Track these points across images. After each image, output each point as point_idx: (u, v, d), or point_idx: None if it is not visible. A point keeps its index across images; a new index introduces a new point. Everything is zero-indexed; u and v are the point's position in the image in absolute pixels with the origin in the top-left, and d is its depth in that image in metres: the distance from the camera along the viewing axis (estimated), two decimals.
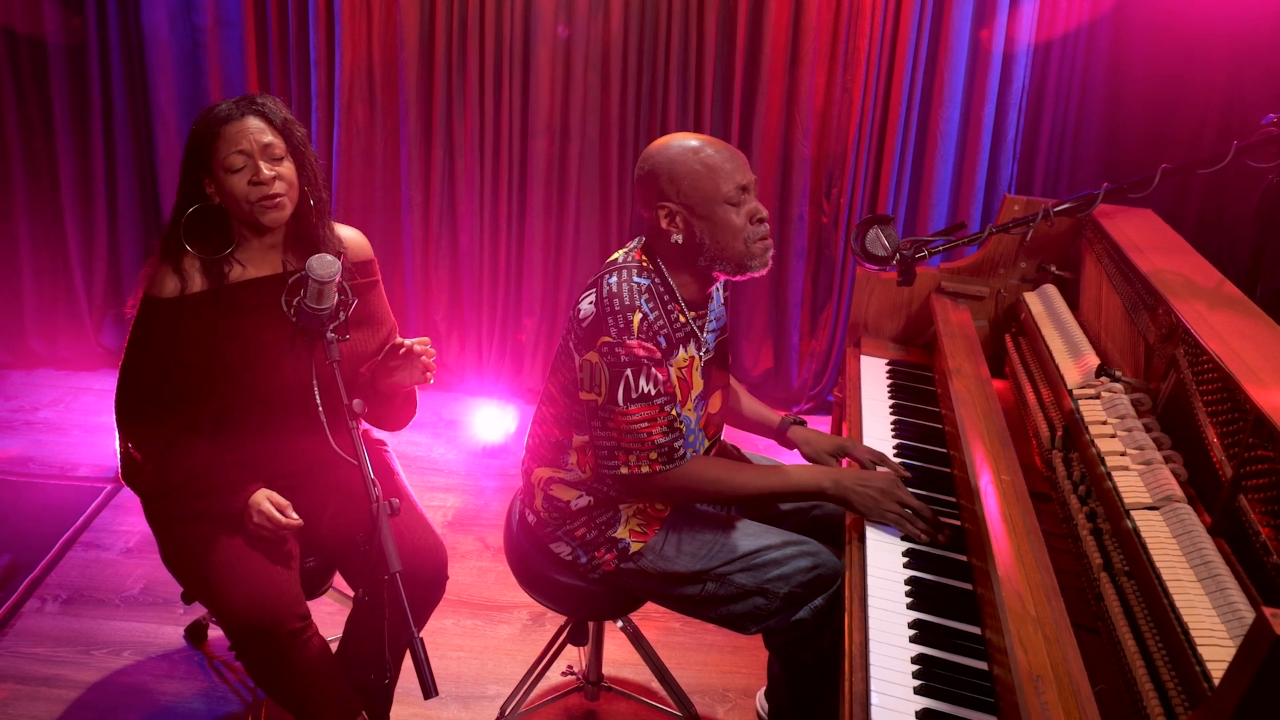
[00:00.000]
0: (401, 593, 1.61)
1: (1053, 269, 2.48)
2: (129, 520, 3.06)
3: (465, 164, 3.61)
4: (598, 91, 3.54)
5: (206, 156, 1.88)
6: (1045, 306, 2.33)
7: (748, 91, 3.52)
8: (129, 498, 3.16)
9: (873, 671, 1.52)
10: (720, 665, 2.63)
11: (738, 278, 1.94)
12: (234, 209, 1.90)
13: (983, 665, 1.56)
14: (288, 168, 1.91)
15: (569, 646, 2.31)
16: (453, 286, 3.81)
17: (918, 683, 1.51)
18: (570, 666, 2.48)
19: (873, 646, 1.57)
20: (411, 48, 3.48)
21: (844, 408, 2.58)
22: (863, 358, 2.56)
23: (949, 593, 1.72)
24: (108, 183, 3.69)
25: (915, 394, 2.40)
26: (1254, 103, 3.42)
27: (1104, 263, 2.23)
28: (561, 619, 2.70)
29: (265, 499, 1.97)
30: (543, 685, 2.40)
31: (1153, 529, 1.49)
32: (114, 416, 1.98)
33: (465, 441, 3.60)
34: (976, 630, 1.63)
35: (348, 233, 2.08)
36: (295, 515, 1.98)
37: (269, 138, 1.89)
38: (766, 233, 1.90)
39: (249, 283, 1.95)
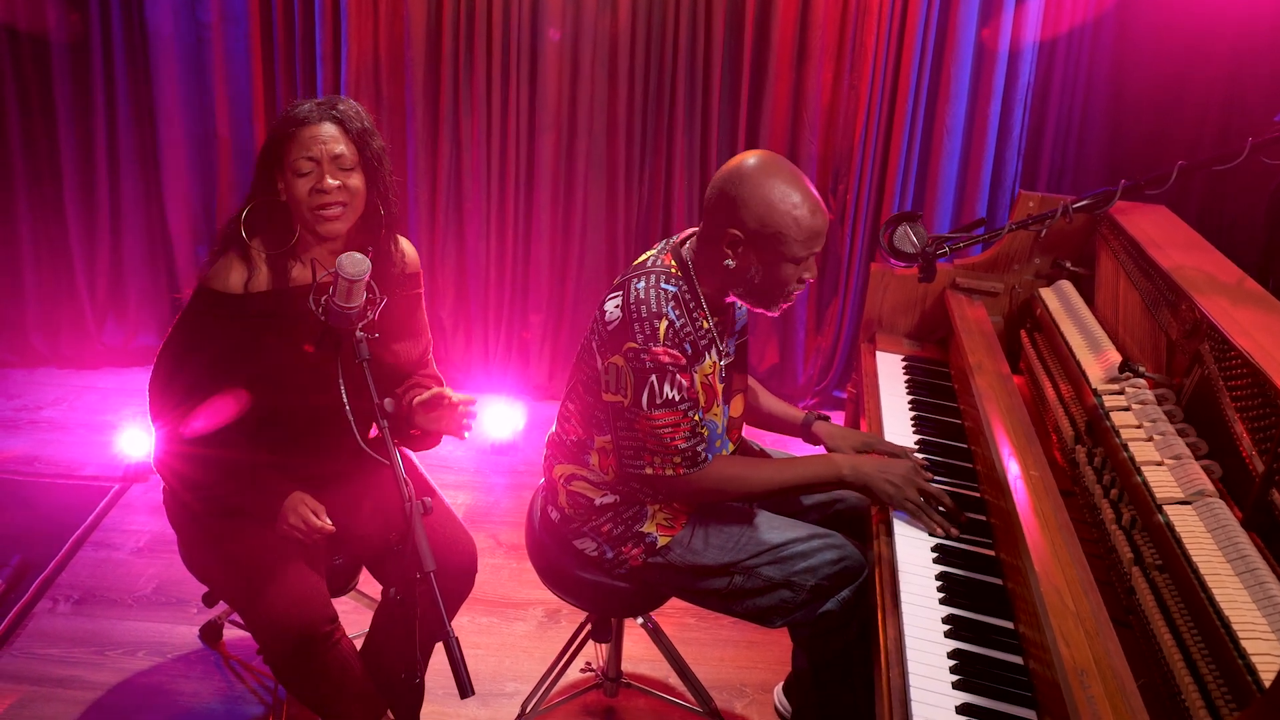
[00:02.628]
0: (436, 592, 1.61)
1: (1067, 265, 2.49)
2: (138, 519, 3.05)
3: (472, 160, 3.59)
4: (605, 88, 3.54)
5: (279, 155, 1.88)
6: (1062, 302, 2.34)
7: (755, 88, 3.53)
8: (137, 497, 3.15)
9: (910, 667, 1.53)
10: (736, 660, 2.64)
11: (751, 309, 1.96)
12: (296, 210, 1.91)
13: (1018, 659, 1.57)
14: (356, 180, 1.91)
15: (573, 642, 2.32)
16: (459, 283, 3.80)
17: (955, 678, 1.52)
18: (589, 663, 2.48)
19: (908, 642, 1.58)
20: (418, 44, 3.47)
21: (858, 404, 2.59)
22: (878, 354, 2.57)
23: (980, 588, 1.73)
24: (110, 180, 3.66)
25: (933, 390, 2.41)
26: (1255, 100, 3.45)
27: (1121, 259, 2.25)
28: (578, 615, 2.72)
29: (301, 502, 1.96)
30: (561, 682, 2.40)
31: (1186, 524, 1.51)
32: (148, 402, 1.97)
33: (473, 438, 3.56)
34: (1010, 625, 1.65)
35: (403, 244, 2.09)
36: (329, 521, 1.97)
37: (340, 148, 1.88)
38: (800, 291, 1.92)
39: (308, 286, 1.94)
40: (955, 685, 1.50)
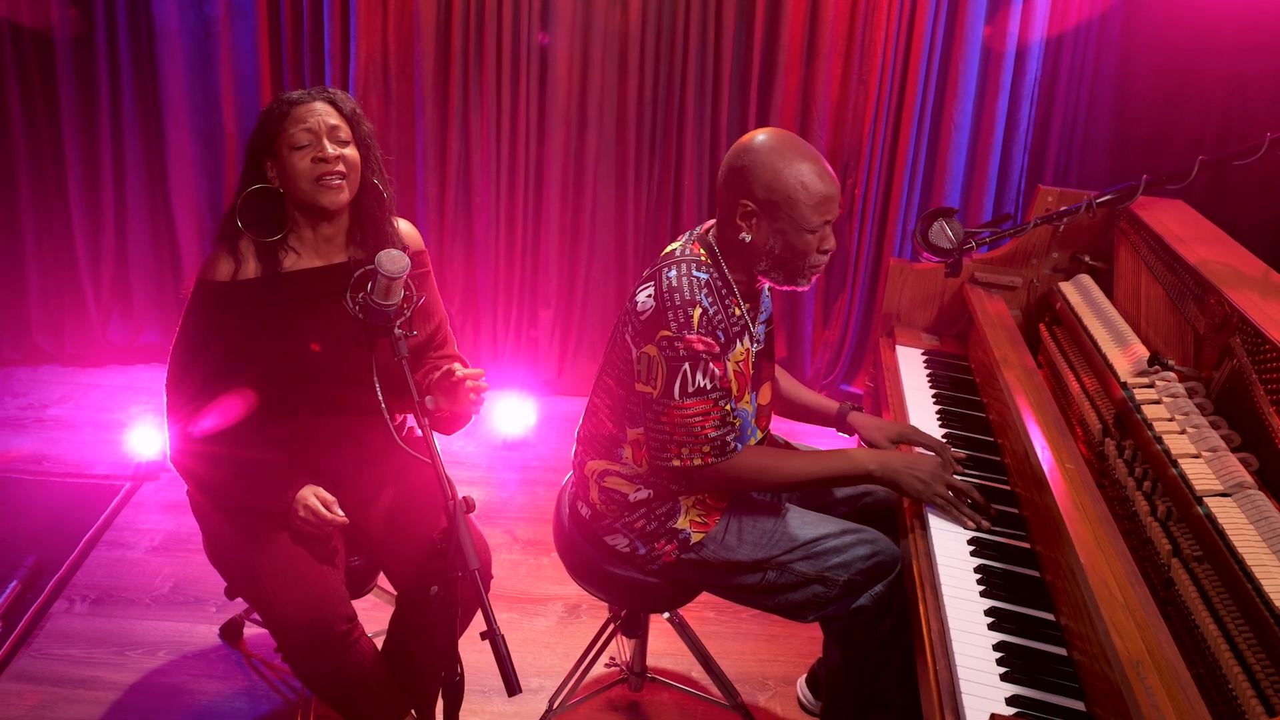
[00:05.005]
0: (482, 589, 1.61)
1: (1086, 259, 2.51)
2: (151, 518, 3.02)
3: (481, 156, 3.58)
4: (615, 84, 3.53)
5: (272, 136, 1.89)
6: (1083, 296, 2.36)
7: (764, 83, 3.53)
8: (149, 495, 3.13)
9: (957, 660, 1.54)
10: (758, 654, 2.66)
11: (780, 288, 1.96)
12: (294, 190, 1.91)
13: (1062, 651, 1.59)
14: (352, 152, 1.93)
15: (600, 637, 2.33)
16: (468, 279, 3.79)
17: (1003, 670, 1.53)
18: (612, 658, 2.48)
19: (954, 635, 1.59)
20: (428, 38, 3.45)
21: (878, 398, 2.60)
22: (898, 348, 2.58)
23: (1018, 580, 1.75)
24: (115, 176, 3.63)
25: (955, 384, 2.43)
26: (1257, 96, 3.48)
27: (1142, 253, 2.27)
28: (599, 610, 2.73)
29: (312, 494, 1.96)
30: (585, 677, 2.40)
31: (1229, 515, 1.53)
32: (164, 398, 1.97)
33: (485, 435, 3.58)
34: (1051, 616, 1.66)
35: (402, 225, 2.09)
36: (341, 512, 1.97)
37: (336, 120, 1.91)
38: (825, 261, 1.91)
39: (303, 272, 1.96)
40: (1003, 677, 1.52)
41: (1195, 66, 3.51)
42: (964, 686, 1.49)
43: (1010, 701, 1.47)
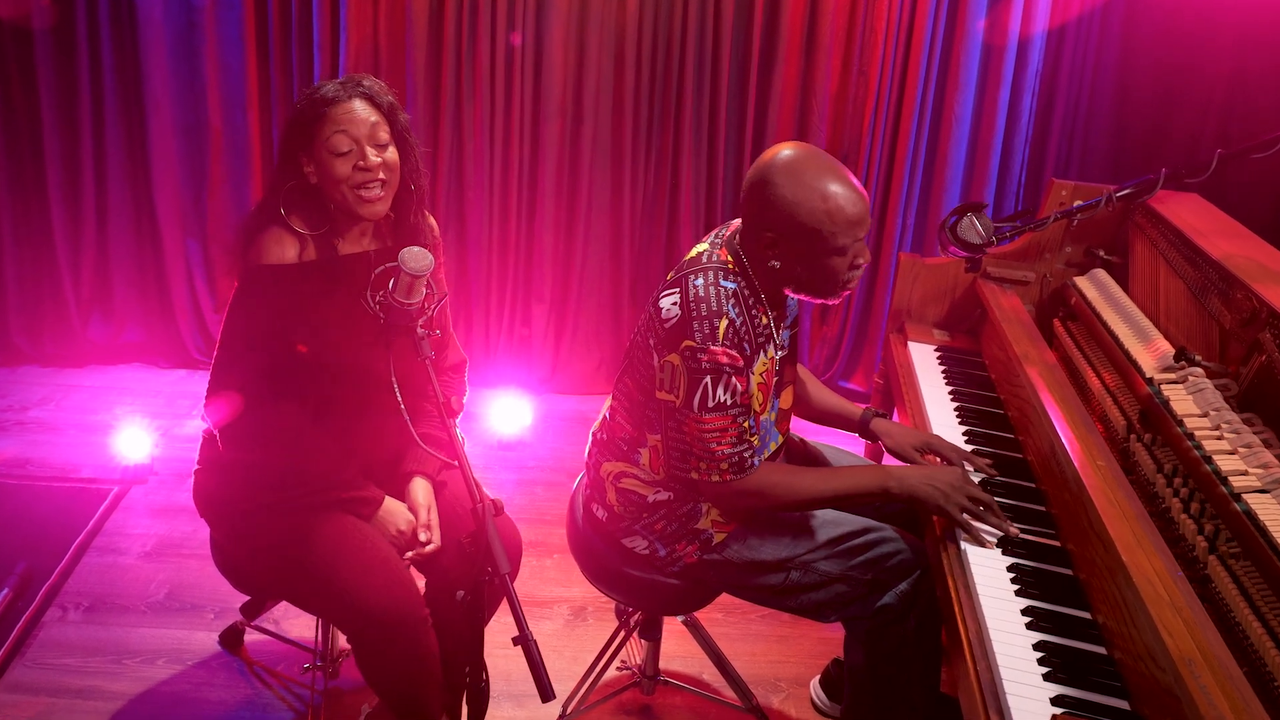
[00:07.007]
0: (514, 595, 1.57)
1: (1101, 253, 2.50)
2: (141, 523, 2.94)
3: (474, 148, 3.52)
4: (611, 74, 3.48)
5: (309, 136, 1.81)
6: (1100, 291, 2.35)
7: (764, 75, 3.50)
8: (139, 499, 3.04)
9: (999, 660, 1.52)
10: (768, 655, 2.63)
11: (812, 301, 1.91)
12: (332, 193, 1.83)
13: (1102, 649, 1.57)
14: (392, 154, 1.85)
15: (614, 640, 2.29)
16: (460, 274, 3.72)
17: (1045, 670, 1.51)
18: (624, 661, 2.45)
19: (993, 636, 1.57)
20: (420, 28, 3.38)
21: (889, 395, 2.59)
22: (911, 344, 2.56)
23: (1052, 579, 1.72)
24: (96, 170, 3.52)
25: (971, 380, 2.41)
26: (1257, 92, 3.49)
27: (1160, 247, 2.26)
28: (605, 613, 2.69)
29: (403, 510, 1.95)
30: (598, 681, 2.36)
31: (1269, 511, 1.51)
32: (207, 395, 1.88)
33: (480, 434, 3.52)
34: (1088, 615, 1.64)
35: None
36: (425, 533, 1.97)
37: (375, 118, 1.83)
38: (859, 276, 1.86)
39: (357, 255, 1.90)
40: (1046, 677, 1.50)
41: (1196, 61, 3.52)
42: (1007, 687, 1.47)
43: (1055, 701, 1.45)
